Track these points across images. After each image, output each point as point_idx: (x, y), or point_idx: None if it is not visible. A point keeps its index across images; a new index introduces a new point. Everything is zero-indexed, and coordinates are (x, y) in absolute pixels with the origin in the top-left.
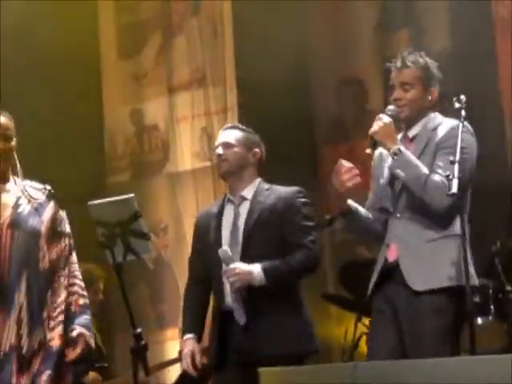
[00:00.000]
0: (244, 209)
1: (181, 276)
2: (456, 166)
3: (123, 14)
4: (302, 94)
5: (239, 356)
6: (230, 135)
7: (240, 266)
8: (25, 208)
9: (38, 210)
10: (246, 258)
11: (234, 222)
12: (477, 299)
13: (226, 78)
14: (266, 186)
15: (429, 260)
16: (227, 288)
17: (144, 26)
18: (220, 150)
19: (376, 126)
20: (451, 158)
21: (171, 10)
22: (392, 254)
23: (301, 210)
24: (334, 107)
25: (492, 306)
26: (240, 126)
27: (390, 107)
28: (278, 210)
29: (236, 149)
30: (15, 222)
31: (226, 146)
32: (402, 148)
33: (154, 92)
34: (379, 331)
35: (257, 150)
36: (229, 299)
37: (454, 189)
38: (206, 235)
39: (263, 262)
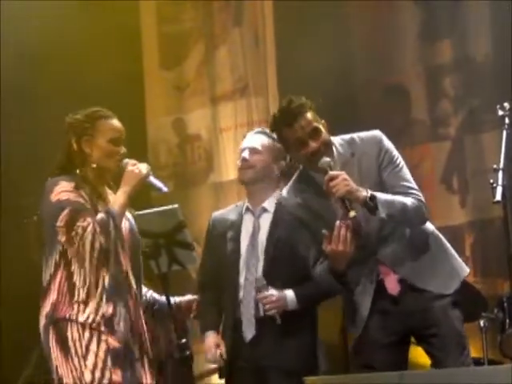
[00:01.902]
0: (264, 221)
1: None
2: (500, 174)
3: (165, 24)
4: (345, 104)
5: (245, 362)
6: (258, 141)
7: (275, 294)
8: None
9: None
10: (268, 276)
11: (253, 233)
12: None
13: (269, 88)
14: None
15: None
16: (240, 299)
17: (186, 36)
18: (246, 155)
19: (342, 187)
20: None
21: (213, 20)
22: (392, 286)
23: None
24: (379, 115)
25: None
26: (268, 132)
27: (325, 159)
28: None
29: (263, 156)
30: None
31: (253, 151)
32: (370, 191)
33: (196, 102)
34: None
35: (283, 162)
36: (240, 311)
37: (498, 196)
38: (223, 244)
39: (286, 282)
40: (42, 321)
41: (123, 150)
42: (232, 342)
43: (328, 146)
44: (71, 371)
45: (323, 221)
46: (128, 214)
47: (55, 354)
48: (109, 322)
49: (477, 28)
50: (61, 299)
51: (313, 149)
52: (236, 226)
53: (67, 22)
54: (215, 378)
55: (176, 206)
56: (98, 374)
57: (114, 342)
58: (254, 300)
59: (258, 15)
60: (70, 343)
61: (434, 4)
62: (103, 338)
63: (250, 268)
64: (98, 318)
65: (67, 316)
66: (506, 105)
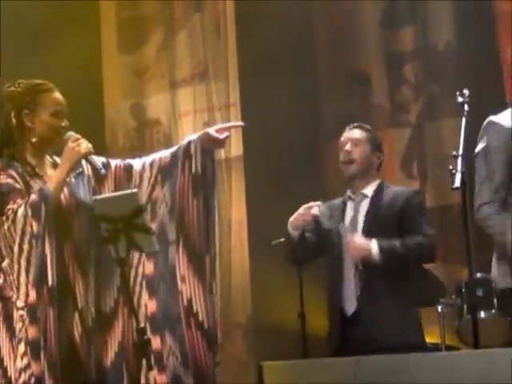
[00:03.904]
0: (364, 205)
1: None
2: (459, 160)
3: (124, 9)
4: (307, 87)
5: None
6: (358, 134)
7: (359, 240)
8: None
9: None
10: None
11: (354, 216)
12: (480, 293)
13: (229, 73)
14: (386, 185)
15: None
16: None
17: (145, 21)
18: (348, 147)
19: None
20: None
21: (173, 5)
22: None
23: (418, 207)
24: (340, 101)
25: (495, 300)
26: (365, 125)
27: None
28: (397, 206)
29: (364, 148)
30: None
31: (355, 143)
32: None
33: (155, 87)
34: None
35: (380, 153)
36: (343, 286)
37: (457, 183)
38: (325, 222)
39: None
40: None
41: (65, 123)
42: (336, 317)
43: None
44: (9, 354)
45: None
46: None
47: (1, 332)
48: (31, 310)
49: (439, 16)
50: (6, 279)
51: None
52: (340, 210)
53: (25, 7)
54: None
55: (135, 190)
56: (25, 362)
57: (33, 333)
58: (354, 276)
59: (219, 1)
60: (14, 325)
61: None
62: (25, 326)
63: None
64: (24, 305)
65: (11, 297)
66: (466, 92)
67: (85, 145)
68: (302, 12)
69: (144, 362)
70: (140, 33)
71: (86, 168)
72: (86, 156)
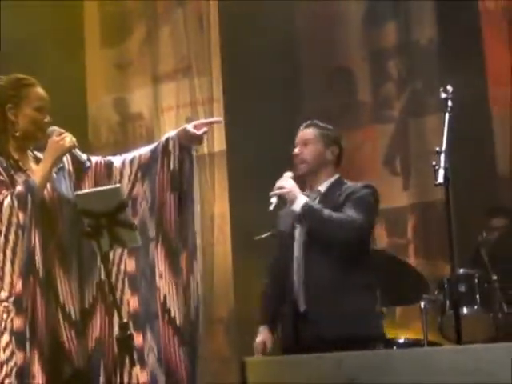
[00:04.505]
0: (317, 202)
1: None
2: (442, 156)
3: (108, 4)
4: (290, 84)
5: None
6: (308, 133)
7: (291, 184)
8: None
9: None
10: (308, 251)
11: None
12: (462, 289)
13: (212, 68)
14: (343, 181)
15: None
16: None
17: (129, 16)
18: (297, 150)
19: None
20: None
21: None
22: None
23: (359, 197)
24: (324, 97)
25: (478, 296)
26: (318, 122)
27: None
28: (342, 197)
29: (314, 146)
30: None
31: (304, 143)
32: None
33: (138, 81)
34: None
35: (335, 146)
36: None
37: (440, 179)
38: (284, 230)
39: (324, 253)
40: None
41: (48, 118)
42: (288, 314)
43: None
44: None
45: None
46: (61, 185)
47: None
48: (17, 301)
49: (421, 12)
50: None
51: None
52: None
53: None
54: None
55: (118, 185)
56: (7, 354)
57: (19, 324)
58: (303, 273)
59: None
60: None
61: None
62: (10, 317)
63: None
64: (10, 296)
65: None
66: (449, 88)
67: (69, 138)
68: (285, 9)
69: (127, 358)
70: (123, 27)
71: (67, 163)
72: (70, 150)
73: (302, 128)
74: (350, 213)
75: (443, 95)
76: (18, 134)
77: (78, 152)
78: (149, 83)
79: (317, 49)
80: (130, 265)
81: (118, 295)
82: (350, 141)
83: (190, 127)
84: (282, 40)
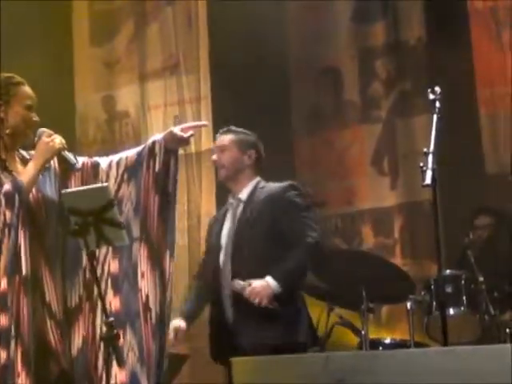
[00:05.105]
0: (239, 211)
1: None
2: (430, 157)
3: (96, 2)
4: (279, 83)
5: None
6: (224, 139)
7: (257, 284)
8: None
9: None
10: (237, 258)
11: (231, 225)
12: (449, 290)
13: (200, 66)
14: (262, 184)
15: None
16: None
17: (117, 14)
18: (215, 156)
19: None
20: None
21: None
22: None
23: (291, 203)
24: (312, 97)
25: (464, 297)
26: (234, 128)
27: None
28: (267, 206)
29: (231, 152)
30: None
31: (221, 150)
32: None
33: (126, 79)
34: None
35: (252, 151)
36: (223, 296)
37: (428, 180)
38: (210, 239)
39: (256, 262)
40: None
41: (36, 117)
42: (218, 322)
43: None
44: None
45: None
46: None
47: None
48: (1, 300)
49: (410, 12)
50: None
51: None
52: (221, 221)
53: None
54: None
55: (106, 184)
56: None
57: (3, 321)
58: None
59: None
60: None
61: None
62: None
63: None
64: None
65: None
66: (437, 89)
67: (58, 140)
68: (274, 7)
69: (114, 356)
70: (111, 25)
71: (54, 163)
72: (60, 151)
73: (218, 135)
74: (298, 231)
75: (431, 96)
76: (7, 132)
77: (67, 153)
78: (136, 81)
79: (305, 48)
80: (114, 265)
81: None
82: (338, 141)
83: (176, 130)
84: (270, 39)
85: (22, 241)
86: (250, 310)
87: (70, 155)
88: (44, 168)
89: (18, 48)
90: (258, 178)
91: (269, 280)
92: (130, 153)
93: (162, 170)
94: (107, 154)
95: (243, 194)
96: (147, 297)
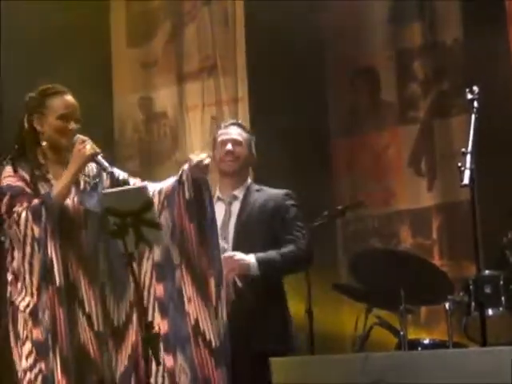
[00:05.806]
0: (235, 208)
1: None
2: (468, 157)
3: (134, 3)
4: (316, 83)
5: None
6: (239, 133)
7: (237, 254)
8: None
9: None
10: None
11: (224, 220)
12: (487, 290)
13: (237, 67)
14: (257, 187)
15: None
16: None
17: (154, 14)
18: (230, 147)
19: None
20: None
21: None
22: None
23: (290, 210)
24: (349, 98)
25: (503, 297)
26: (242, 123)
27: None
28: (268, 208)
29: (244, 148)
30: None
31: (237, 143)
32: None
33: (163, 80)
34: None
35: (253, 152)
36: None
37: (466, 180)
38: None
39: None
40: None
41: (73, 125)
42: None
43: None
44: (18, 356)
45: None
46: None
47: (11, 336)
48: (33, 312)
49: (447, 12)
50: (13, 282)
51: None
52: None
53: (38, 4)
54: None
55: (145, 184)
56: (30, 362)
57: (36, 334)
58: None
59: None
60: (19, 327)
61: None
62: (29, 328)
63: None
64: (27, 307)
65: (14, 300)
66: (475, 88)
67: (89, 146)
68: (311, 9)
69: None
70: (149, 26)
71: (105, 178)
72: (91, 157)
73: (229, 125)
74: (291, 236)
75: (469, 96)
76: (44, 144)
77: (100, 159)
78: (174, 82)
79: (342, 48)
80: (159, 289)
81: (149, 318)
82: (375, 141)
83: (193, 157)
84: (307, 39)
85: (54, 252)
86: (241, 313)
87: (102, 160)
88: (78, 175)
89: (56, 47)
90: (250, 180)
91: (251, 257)
92: (169, 181)
93: (192, 197)
94: (145, 155)
95: (239, 192)
96: (196, 320)
